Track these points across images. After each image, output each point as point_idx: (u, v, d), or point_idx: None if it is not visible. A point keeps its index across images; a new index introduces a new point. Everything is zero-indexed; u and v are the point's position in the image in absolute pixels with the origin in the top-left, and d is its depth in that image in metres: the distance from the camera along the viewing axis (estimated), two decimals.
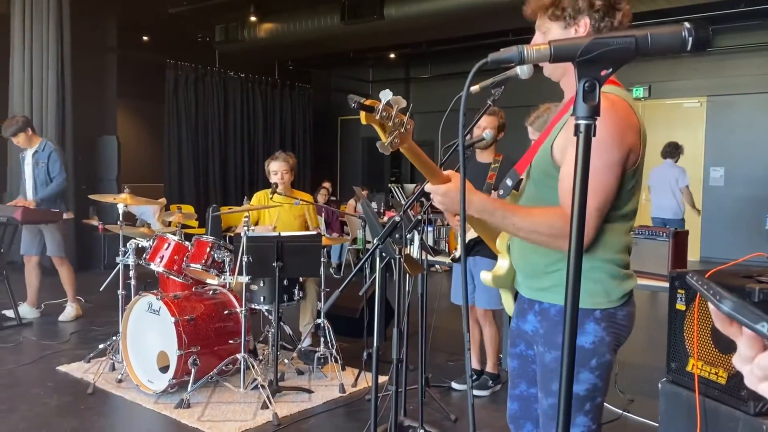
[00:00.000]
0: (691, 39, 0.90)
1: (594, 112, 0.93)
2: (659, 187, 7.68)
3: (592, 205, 1.52)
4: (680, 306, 2.94)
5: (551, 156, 1.66)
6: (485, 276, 1.88)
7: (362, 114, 1.43)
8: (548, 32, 1.71)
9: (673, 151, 7.61)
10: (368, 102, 1.44)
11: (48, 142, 5.80)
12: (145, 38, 11.37)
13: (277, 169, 4.63)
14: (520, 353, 1.87)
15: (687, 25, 0.91)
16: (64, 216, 5.77)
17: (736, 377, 2.64)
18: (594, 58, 0.91)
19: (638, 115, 1.63)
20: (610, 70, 0.94)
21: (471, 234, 3.64)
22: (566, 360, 0.95)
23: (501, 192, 1.82)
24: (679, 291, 2.95)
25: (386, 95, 1.43)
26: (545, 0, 1.68)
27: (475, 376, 4.18)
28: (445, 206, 1.63)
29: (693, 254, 9.76)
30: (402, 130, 1.47)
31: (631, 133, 1.59)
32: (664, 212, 7.65)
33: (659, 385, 3.05)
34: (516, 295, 1.90)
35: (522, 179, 1.82)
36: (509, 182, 1.80)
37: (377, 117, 1.43)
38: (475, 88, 1.86)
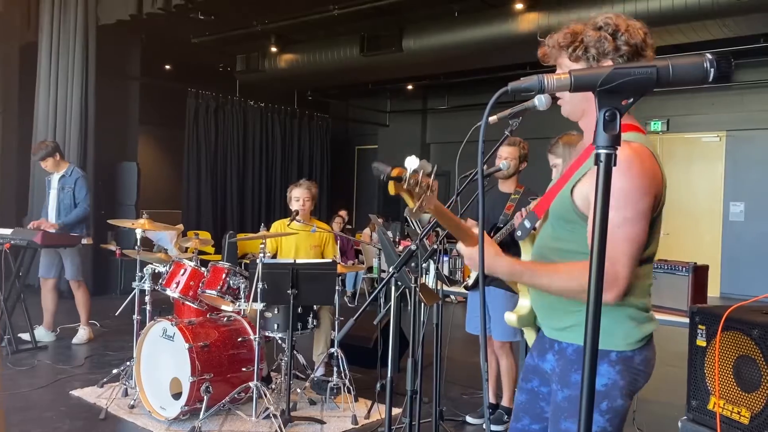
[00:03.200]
0: (712, 70, 0.90)
1: (614, 142, 0.92)
2: None
3: (626, 254, 1.53)
4: (701, 342, 2.89)
5: (573, 203, 1.65)
6: (509, 317, 1.88)
7: (391, 184, 1.46)
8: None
9: None
10: (395, 172, 1.47)
11: (76, 168, 5.92)
12: (167, 67, 11.60)
13: (299, 196, 4.67)
14: (531, 389, 1.86)
15: (709, 56, 0.91)
16: (84, 241, 5.83)
17: (759, 417, 2.57)
18: (615, 88, 0.91)
19: (659, 161, 1.63)
20: (631, 99, 0.94)
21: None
22: (585, 401, 0.93)
23: (519, 233, 1.82)
24: (700, 326, 2.89)
25: (412, 163, 1.46)
26: (567, 39, 1.66)
27: (490, 410, 4.11)
28: (472, 267, 1.69)
29: (713, 290, 9.61)
30: (428, 193, 1.50)
31: (656, 181, 1.59)
32: None
33: (679, 424, 2.98)
34: (539, 331, 1.89)
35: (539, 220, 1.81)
36: (527, 224, 1.80)
37: (405, 186, 1.46)
38: (492, 118, 1.87)
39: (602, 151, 0.93)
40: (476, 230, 1.65)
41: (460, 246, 1.66)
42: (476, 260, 1.63)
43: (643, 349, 1.66)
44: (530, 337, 1.93)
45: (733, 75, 9.65)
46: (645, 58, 1.64)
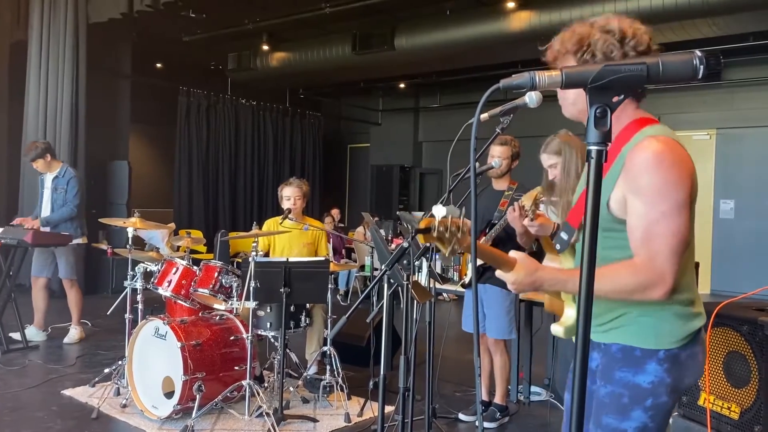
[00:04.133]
0: (702, 67, 0.91)
1: (605, 138, 0.93)
2: None
3: (668, 250, 1.52)
4: None
5: (609, 212, 1.64)
6: (556, 329, 1.87)
7: (420, 236, 1.47)
8: None
9: None
10: (424, 224, 1.49)
11: (69, 168, 5.87)
12: (158, 65, 11.54)
13: (290, 194, 4.66)
14: None
15: (698, 53, 0.92)
16: (79, 241, 5.80)
17: (749, 412, 2.59)
18: (605, 85, 0.92)
19: (686, 149, 1.63)
20: (622, 96, 0.94)
21: (479, 260, 3.63)
22: (577, 394, 0.94)
23: (558, 247, 1.81)
24: None
25: (440, 211, 1.48)
26: (575, 45, 1.65)
27: (482, 408, 4.12)
28: (518, 292, 1.69)
29: (703, 287, 9.67)
30: (459, 234, 1.51)
31: (689, 168, 1.60)
32: None
33: (670, 420, 3.00)
34: None
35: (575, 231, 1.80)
36: (565, 236, 1.78)
37: (435, 235, 1.48)
38: (484, 116, 1.87)
39: (593, 148, 0.94)
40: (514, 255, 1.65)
41: (501, 273, 1.65)
42: (521, 283, 1.62)
43: (689, 345, 1.65)
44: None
45: (722, 72, 9.70)
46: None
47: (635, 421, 1.65)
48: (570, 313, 1.85)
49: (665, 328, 1.64)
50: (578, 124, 1.78)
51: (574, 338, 1.91)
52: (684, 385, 1.69)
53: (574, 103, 1.71)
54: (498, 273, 1.66)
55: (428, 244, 2.92)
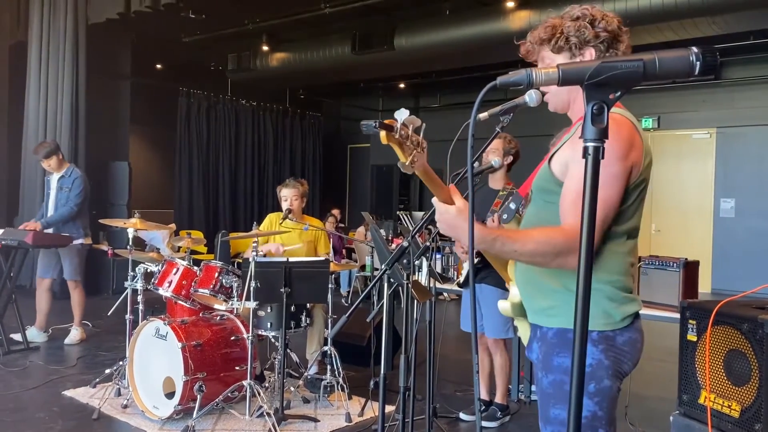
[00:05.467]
0: (698, 63, 0.91)
1: (602, 135, 0.93)
2: None
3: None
4: (691, 337, 2.91)
5: (551, 173, 1.67)
6: (503, 305, 1.87)
7: (382, 133, 1.45)
8: (553, 63, 1.72)
9: None
10: (387, 121, 1.46)
11: (75, 169, 5.89)
12: (158, 66, 11.55)
13: (287, 195, 4.66)
14: None
15: (694, 49, 0.92)
16: (82, 241, 5.79)
17: (749, 410, 2.59)
18: (602, 81, 0.92)
19: (641, 134, 1.64)
20: (619, 93, 0.94)
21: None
22: (575, 382, 0.93)
23: (505, 216, 1.82)
24: (690, 321, 2.92)
25: (402, 114, 1.45)
26: (548, 32, 1.69)
27: (483, 407, 4.12)
28: (442, 228, 1.60)
29: (704, 285, 9.66)
30: (418, 149, 1.50)
31: (635, 150, 1.60)
32: None
33: (671, 418, 3.00)
34: None
35: (524, 201, 1.82)
36: (512, 206, 1.81)
37: (396, 136, 1.45)
38: (483, 114, 1.88)
39: (590, 144, 0.94)
40: (458, 198, 1.60)
41: (435, 201, 1.60)
42: (446, 221, 1.57)
43: (625, 330, 1.64)
44: (523, 328, 1.92)
45: (719, 68, 9.70)
46: (622, 43, 1.68)
47: (584, 410, 1.63)
48: (514, 291, 1.84)
49: (595, 310, 1.60)
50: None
51: (517, 323, 1.91)
52: (623, 371, 1.66)
53: (556, 93, 1.75)
54: (434, 200, 1.61)
55: (425, 244, 2.92)
